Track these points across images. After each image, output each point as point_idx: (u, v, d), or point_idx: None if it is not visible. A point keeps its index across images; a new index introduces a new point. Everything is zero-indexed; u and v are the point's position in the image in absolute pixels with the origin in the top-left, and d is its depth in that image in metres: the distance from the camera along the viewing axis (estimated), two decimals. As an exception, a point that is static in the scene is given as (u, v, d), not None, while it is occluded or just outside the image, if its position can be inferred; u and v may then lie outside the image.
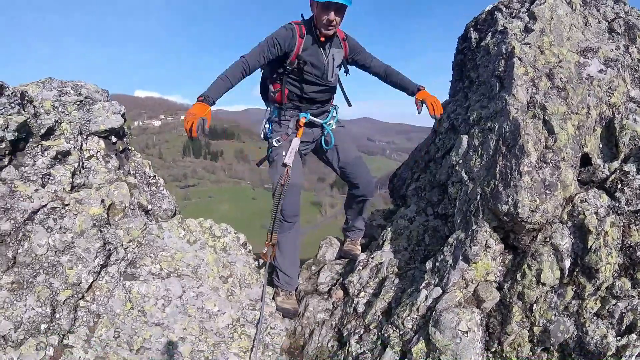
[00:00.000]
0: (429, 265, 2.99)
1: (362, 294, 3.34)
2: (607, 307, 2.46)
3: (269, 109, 3.63)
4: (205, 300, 3.02)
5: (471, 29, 4.26)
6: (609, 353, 2.37)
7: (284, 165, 3.33)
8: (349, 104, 3.79)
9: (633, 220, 2.58)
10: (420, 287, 2.88)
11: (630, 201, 2.64)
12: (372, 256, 3.61)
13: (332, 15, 3.08)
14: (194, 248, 3.23)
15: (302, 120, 3.46)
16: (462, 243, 2.81)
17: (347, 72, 3.62)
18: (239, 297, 3.21)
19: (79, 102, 3.35)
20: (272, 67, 3.39)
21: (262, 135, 3.63)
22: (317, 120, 3.55)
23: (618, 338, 2.40)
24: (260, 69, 3.42)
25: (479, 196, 2.88)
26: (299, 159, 3.50)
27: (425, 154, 4.33)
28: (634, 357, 2.36)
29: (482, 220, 2.80)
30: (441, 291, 2.72)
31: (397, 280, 3.26)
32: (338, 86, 3.62)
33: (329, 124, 3.63)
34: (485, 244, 2.73)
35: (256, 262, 3.65)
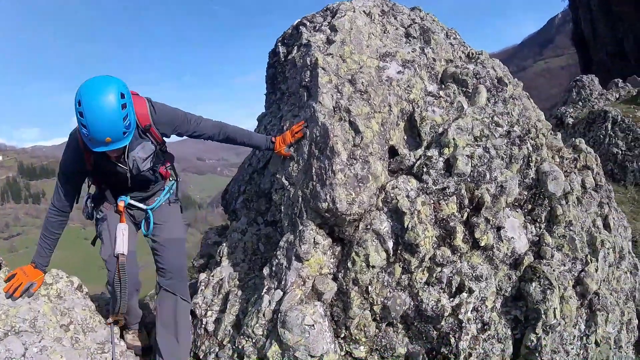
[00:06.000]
0: (266, 271, 3.10)
1: (209, 312, 3.33)
2: (434, 275, 2.80)
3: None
4: (50, 353, 2.71)
5: (279, 43, 4.44)
6: (446, 314, 2.70)
7: (116, 255, 2.85)
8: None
9: (441, 197, 2.97)
10: (262, 294, 2.97)
11: (436, 181, 3.04)
12: (212, 274, 3.61)
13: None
14: (26, 300, 2.88)
15: (121, 205, 2.99)
16: (292, 244, 2.98)
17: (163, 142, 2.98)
18: (85, 343, 2.95)
19: None
20: None
21: (84, 215, 3.14)
22: (141, 205, 3.06)
23: (451, 299, 2.75)
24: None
25: (300, 198, 3.07)
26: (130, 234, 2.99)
27: (249, 166, 4.46)
28: (468, 312, 2.71)
29: (307, 220, 2.98)
30: (282, 293, 2.85)
31: (240, 292, 3.32)
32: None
33: (152, 206, 3.10)
34: (314, 241, 2.93)
35: (95, 304, 3.31)
